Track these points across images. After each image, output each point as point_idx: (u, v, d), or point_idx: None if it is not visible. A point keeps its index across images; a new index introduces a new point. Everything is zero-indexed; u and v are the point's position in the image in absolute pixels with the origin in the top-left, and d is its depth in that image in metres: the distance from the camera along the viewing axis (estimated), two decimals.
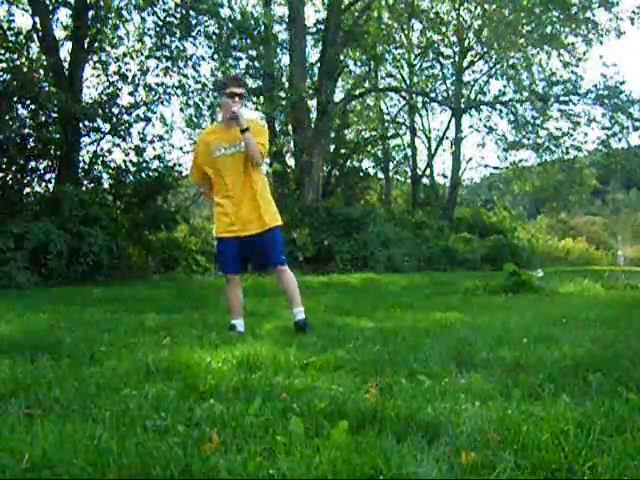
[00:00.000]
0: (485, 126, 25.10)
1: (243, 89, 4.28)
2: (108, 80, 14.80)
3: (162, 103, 15.62)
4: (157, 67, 15.80)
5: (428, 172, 27.02)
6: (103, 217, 12.50)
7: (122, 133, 14.56)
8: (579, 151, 24.16)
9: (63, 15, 14.73)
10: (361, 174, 24.25)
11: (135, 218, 14.17)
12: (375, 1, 20.69)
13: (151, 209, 14.38)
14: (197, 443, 1.70)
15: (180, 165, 15.64)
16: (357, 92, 22.34)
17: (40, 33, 13.35)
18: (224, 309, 5.10)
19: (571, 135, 23.49)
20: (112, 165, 14.58)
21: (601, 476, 1.50)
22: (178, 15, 15.17)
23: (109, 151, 14.61)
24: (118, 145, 14.70)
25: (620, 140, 22.70)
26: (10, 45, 12.58)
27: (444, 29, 23.68)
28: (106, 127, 14.44)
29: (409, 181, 27.13)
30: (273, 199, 4.48)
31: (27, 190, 13.02)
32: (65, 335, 3.86)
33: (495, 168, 28.84)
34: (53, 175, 13.58)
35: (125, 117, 14.73)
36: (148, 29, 15.69)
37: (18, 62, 12.59)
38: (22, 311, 5.87)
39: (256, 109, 20.69)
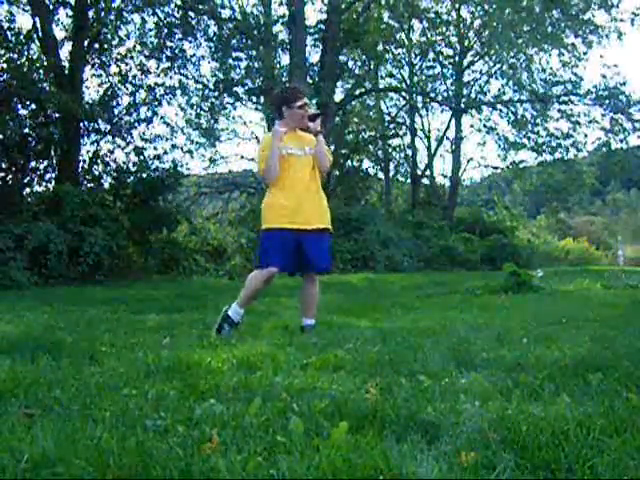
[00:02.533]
0: (485, 126, 25.10)
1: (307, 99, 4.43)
2: (108, 80, 14.80)
3: (160, 104, 15.62)
4: (158, 67, 15.82)
5: (428, 172, 27.02)
6: (103, 217, 12.51)
7: (122, 133, 14.57)
8: (579, 151, 24.17)
9: (63, 15, 14.71)
10: (361, 174, 24.25)
11: (135, 218, 14.17)
12: (375, 1, 20.69)
13: (152, 209, 14.39)
14: (197, 443, 1.70)
15: (182, 165, 15.67)
16: (357, 92, 22.34)
17: (40, 33, 13.35)
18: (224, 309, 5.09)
19: (571, 135, 23.49)
20: (112, 165, 14.59)
21: (601, 476, 1.50)
22: (178, 15, 15.18)
23: (109, 151, 14.63)
24: (118, 145, 14.72)
25: (621, 141, 22.71)
26: (10, 45, 12.59)
27: (444, 29, 23.68)
28: (106, 127, 14.44)
29: (409, 181, 27.13)
30: None
31: (27, 190, 13.03)
32: (65, 335, 3.86)
33: (495, 168, 28.84)
34: (53, 175, 13.59)
35: (125, 117, 14.74)
36: (149, 29, 15.70)
37: (18, 62, 12.59)
38: (22, 311, 5.87)
39: (256, 109, 20.73)
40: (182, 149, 16.94)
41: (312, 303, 4.34)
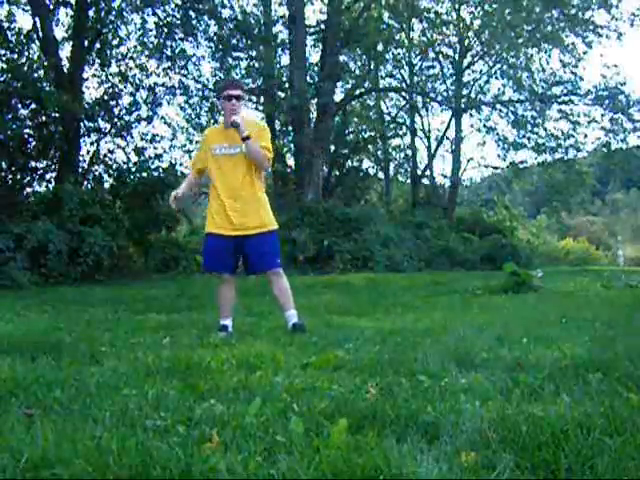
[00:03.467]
0: (485, 126, 25.11)
1: (240, 91, 4.29)
2: (108, 80, 14.80)
3: (160, 104, 15.62)
4: (158, 67, 15.82)
5: (428, 172, 27.02)
6: (103, 217, 12.50)
7: (123, 133, 14.58)
8: (579, 151, 24.17)
9: (63, 15, 14.71)
10: (361, 174, 24.24)
11: (136, 218, 14.17)
12: (375, 1, 20.69)
13: (152, 209, 14.39)
14: (197, 443, 1.70)
15: (181, 165, 15.66)
16: (357, 92, 22.33)
17: (40, 33, 13.35)
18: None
19: (571, 135, 23.49)
20: (112, 165, 14.59)
21: (601, 476, 1.50)
22: (179, 15, 15.18)
23: (110, 151, 14.63)
24: (119, 145, 14.73)
25: (621, 141, 22.71)
26: (10, 45, 12.59)
27: (444, 29, 23.67)
28: (106, 127, 14.45)
29: (409, 181, 27.13)
30: (272, 200, 4.50)
31: (27, 190, 13.03)
32: (65, 335, 3.86)
33: (495, 168, 28.84)
34: (53, 175, 13.59)
35: (126, 117, 14.74)
36: (150, 29, 15.69)
37: (18, 62, 12.59)
38: (22, 311, 5.87)
39: (256, 109, 20.74)
40: (182, 149, 16.96)
41: (283, 295, 4.36)
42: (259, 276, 4.61)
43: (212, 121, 18.46)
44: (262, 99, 19.12)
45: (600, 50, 51.75)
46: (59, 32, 14.29)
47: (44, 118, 12.85)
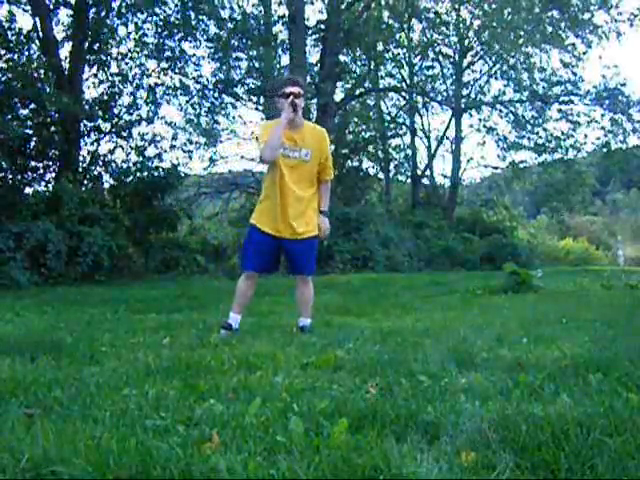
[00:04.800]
0: (485, 126, 25.11)
1: (299, 88, 4.22)
2: (108, 80, 14.80)
3: (160, 104, 15.62)
4: (158, 67, 15.81)
5: (428, 172, 27.02)
6: (103, 217, 12.50)
7: (123, 133, 14.57)
8: (579, 151, 24.18)
9: (63, 15, 14.70)
10: (361, 174, 24.22)
11: (135, 218, 14.16)
12: (375, 1, 20.69)
13: (152, 209, 14.39)
14: (197, 443, 1.70)
15: (179, 164, 15.66)
16: (357, 92, 22.32)
17: (40, 33, 13.34)
18: (224, 309, 5.10)
19: (571, 136, 23.50)
20: (112, 165, 14.59)
21: (601, 476, 1.50)
22: (178, 16, 15.17)
23: (110, 151, 14.63)
24: (119, 145, 14.72)
25: (621, 142, 22.72)
26: (10, 45, 12.59)
27: (444, 29, 23.68)
28: (106, 127, 14.44)
29: (409, 181, 27.12)
30: None
31: (27, 190, 13.02)
32: (65, 335, 3.86)
33: (495, 168, 28.85)
34: (53, 175, 13.59)
35: (126, 117, 14.74)
36: (148, 29, 15.68)
37: (18, 62, 12.59)
38: (22, 311, 5.88)
39: (256, 109, 20.74)
40: (182, 149, 16.95)
41: (304, 303, 4.37)
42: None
43: (212, 121, 18.47)
44: (262, 99, 19.10)
45: (600, 50, 51.82)
46: (59, 32, 14.29)
47: (44, 118, 12.85)
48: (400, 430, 1.83)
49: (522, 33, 19.77)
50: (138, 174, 14.41)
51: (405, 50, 24.54)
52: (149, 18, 15.37)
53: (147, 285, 11.27)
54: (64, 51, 14.28)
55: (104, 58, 14.65)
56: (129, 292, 9.25)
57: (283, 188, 4.16)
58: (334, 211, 17.20)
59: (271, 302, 7.03)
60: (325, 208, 4.34)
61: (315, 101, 18.69)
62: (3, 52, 12.41)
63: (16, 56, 12.70)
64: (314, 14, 33.82)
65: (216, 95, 18.22)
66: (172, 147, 15.90)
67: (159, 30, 15.35)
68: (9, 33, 12.67)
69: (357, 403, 2.07)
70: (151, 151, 15.07)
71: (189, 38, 15.64)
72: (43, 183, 13.51)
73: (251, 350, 3.20)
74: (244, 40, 16.82)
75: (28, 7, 13.76)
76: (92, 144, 14.53)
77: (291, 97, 4.11)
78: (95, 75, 14.75)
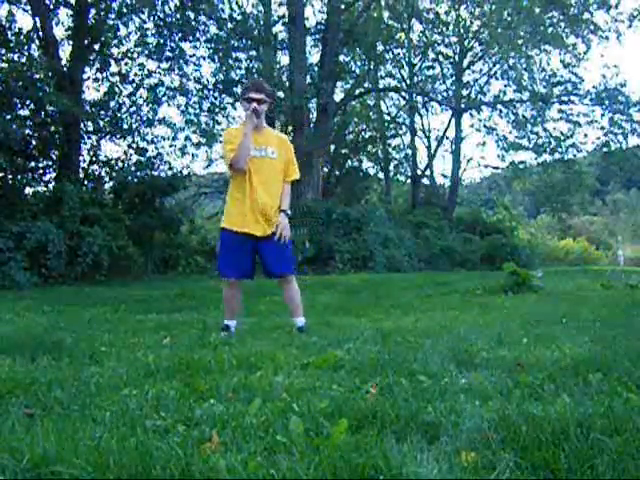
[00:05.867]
0: (485, 126, 25.12)
1: (263, 94, 4.25)
2: (108, 80, 14.80)
3: (160, 104, 15.62)
4: (158, 67, 15.83)
5: (428, 172, 27.03)
6: (103, 217, 12.51)
7: (123, 134, 14.58)
8: (579, 151, 24.19)
9: (63, 15, 14.71)
10: (361, 174, 24.25)
11: (136, 218, 14.17)
12: (375, 1, 20.69)
13: (153, 209, 14.40)
14: (197, 443, 1.70)
15: (183, 168, 15.71)
16: (357, 92, 22.34)
17: (40, 33, 13.35)
18: (224, 309, 5.10)
19: (571, 136, 23.51)
20: (112, 165, 14.59)
21: (601, 476, 1.50)
22: (178, 16, 15.18)
23: (110, 151, 14.66)
24: (119, 145, 14.74)
25: (620, 143, 22.73)
26: (10, 45, 12.59)
27: (444, 29, 23.69)
28: (107, 127, 14.45)
29: (409, 181, 27.14)
30: None
31: (27, 190, 13.03)
32: (65, 335, 3.86)
33: (495, 168, 28.87)
34: (53, 175, 13.60)
35: (125, 117, 14.74)
36: (147, 29, 15.69)
37: (18, 62, 12.59)
38: (22, 311, 5.88)
39: None
40: (182, 150, 16.96)
41: (294, 303, 4.37)
42: (259, 277, 4.60)
43: (211, 121, 18.47)
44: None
45: (600, 51, 51.88)
46: (59, 32, 14.31)
47: (44, 118, 12.85)
48: (400, 430, 1.83)
49: (522, 33, 19.76)
50: (138, 174, 14.41)
51: (405, 50, 24.55)
52: (149, 18, 15.38)
53: (147, 285, 11.27)
54: (64, 51, 14.32)
55: (104, 58, 14.66)
56: (129, 292, 9.25)
57: (252, 186, 4.19)
58: (334, 211, 17.27)
59: (271, 302, 7.03)
60: (284, 206, 4.30)
61: (315, 101, 18.69)
62: (3, 52, 12.41)
63: (16, 56, 12.71)
64: (314, 14, 33.79)
65: (216, 95, 18.23)
66: (172, 147, 15.92)
67: (159, 30, 15.36)
68: (9, 33, 12.67)
69: (357, 403, 2.07)
70: (151, 152, 15.08)
71: (189, 38, 15.65)
72: (43, 183, 13.53)
73: (251, 350, 3.19)
74: (244, 40, 16.83)
75: (28, 7, 13.76)
76: (92, 144, 14.54)
77: (253, 104, 4.17)
78: (95, 75, 14.76)
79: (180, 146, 17.21)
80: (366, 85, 22.85)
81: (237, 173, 4.21)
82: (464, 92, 25.16)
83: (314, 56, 20.23)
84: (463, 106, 24.84)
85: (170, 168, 15.17)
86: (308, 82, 18.29)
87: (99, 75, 14.80)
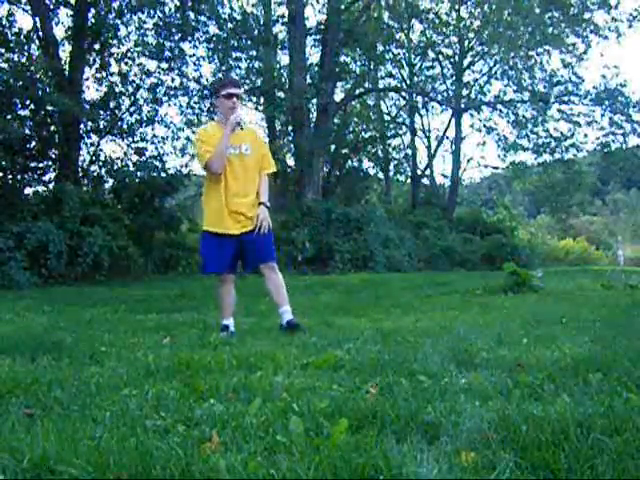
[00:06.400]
0: (485, 126, 25.12)
1: (240, 90, 4.32)
2: (108, 80, 14.80)
3: (160, 104, 15.62)
4: (158, 67, 15.82)
5: (428, 172, 27.03)
6: (103, 217, 12.51)
7: (123, 133, 14.58)
8: (579, 151, 24.20)
9: (63, 15, 14.71)
10: (361, 174, 24.23)
11: (136, 218, 14.17)
12: (375, 1, 20.68)
13: (153, 209, 14.40)
14: (197, 443, 1.70)
15: (182, 167, 15.70)
16: (357, 92, 22.34)
17: (40, 33, 13.35)
18: (220, 309, 5.09)
19: (571, 136, 23.51)
20: (112, 165, 14.59)
21: (601, 476, 1.50)
22: (178, 16, 15.18)
23: (110, 151, 14.68)
24: (119, 145, 14.74)
25: (621, 144, 22.74)
26: (10, 45, 12.59)
27: (444, 29, 23.69)
28: (106, 127, 14.45)
29: (409, 181, 27.13)
30: (272, 200, 4.51)
31: (27, 190, 13.04)
32: (65, 335, 3.86)
33: (495, 168, 28.87)
34: (53, 175, 13.60)
35: (125, 117, 14.74)
36: (148, 29, 15.68)
37: (18, 62, 12.59)
38: (22, 311, 5.88)
39: (256, 109, 20.73)
40: (183, 150, 16.97)
41: (278, 290, 4.37)
42: (259, 277, 4.60)
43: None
44: (262, 99, 19.11)
45: (601, 49, 51.87)
46: (59, 32, 14.30)
47: (44, 118, 12.85)
48: (400, 430, 1.83)
49: (520, 34, 19.76)
50: (139, 174, 14.41)
51: (405, 50, 24.54)
52: (149, 19, 15.38)
53: (147, 285, 11.27)
54: (64, 51, 14.31)
55: (104, 58, 14.66)
56: (129, 292, 9.25)
57: (227, 186, 4.21)
58: (334, 211, 17.27)
59: (271, 302, 7.02)
60: (263, 199, 4.32)
61: (315, 101, 18.69)
62: (3, 52, 12.41)
63: (16, 56, 12.71)
64: (314, 14, 33.78)
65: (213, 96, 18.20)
66: (173, 147, 15.93)
67: (159, 30, 15.36)
68: (9, 33, 12.68)
69: (357, 403, 2.07)
70: (151, 152, 15.09)
71: (189, 38, 15.65)
72: (43, 183, 13.53)
73: (251, 350, 3.20)
74: (244, 40, 16.82)
75: (28, 7, 13.76)
76: (92, 144, 14.55)
77: (234, 99, 4.20)
78: (95, 75, 14.76)
79: (180, 146, 17.22)
80: (366, 85, 22.84)
81: (213, 174, 4.23)
82: (464, 92, 25.15)
83: (314, 56, 20.24)
84: (463, 106, 24.83)
85: (169, 168, 15.18)
86: (308, 82, 18.29)
87: (99, 75, 14.80)
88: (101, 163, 14.61)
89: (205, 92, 17.74)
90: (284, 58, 19.47)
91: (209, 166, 4.17)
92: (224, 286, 4.35)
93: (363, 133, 25.00)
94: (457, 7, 22.98)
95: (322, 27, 19.18)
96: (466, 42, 24.57)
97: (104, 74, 14.80)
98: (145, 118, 15.15)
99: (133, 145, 14.85)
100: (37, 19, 13.36)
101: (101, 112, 14.19)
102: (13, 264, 10.12)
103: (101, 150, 14.67)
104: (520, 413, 1.89)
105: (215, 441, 1.71)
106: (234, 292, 4.43)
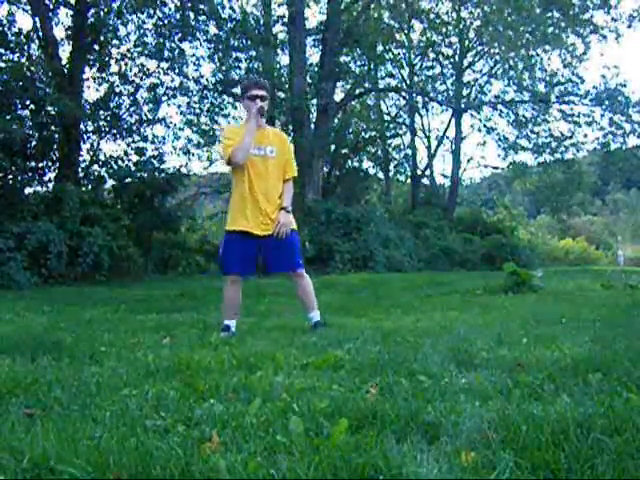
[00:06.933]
0: (485, 126, 25.13)
1: (263, 90, 4.30)
2: (108, 80, 14.80)
3: (160, 104, 15.63)
4: (158, 67, 15.82)
5: (428, 172, 27.04)
6: (103, 217, 12.51)
7: (123, 134, 14.58)
8: (579, 151, 24.22)
9: (63, 15, 14.71)
10: (361, 174, 24.24)
11: (136, 218, 14.17)
12: (375, 1, 20.68)
13: (153, 209, 14.40)
14: (197, 443, 1.70)
15: (182, 166, 15.69)
16: (357, 92, 22.34)
17: (40, 33, 13.34)
18: (224, 309, 5.09)
19: (571, 136, 23.52)
20: (112, 165, 14.59)
21: (601, 476, 1.50)
22: (178, 16, 15.18)
23: (110, 151, 14.67)
24: (119, 145, 14.74)
25: (620, 144, 22.74)
26: (10, 45, 12.59)
27: (444, 29, 23.69)
28: (106, 127, 14.45)
29: (409, 181, 27.14)
30: None
31: (27, 190, 13.04)
32: (65, 335, 3.86)
33: (495, 168, 28.89)
34: (53, 175, 13.60)
35: (125, 117, 14.74)
36: (148, 29, 15.68)
37: (18, 62, 12.59)
38: (22, 311, 5.88)
39: None
40: (182, 150, 16.97)
41: (305, 296, 4.41)
42: (258, 277, 4.60)
43: (210, 122, 18.45)
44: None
45: (600, 51, 51.89)
46: (59, 32, 14.32)
47: (44, 118, 12.85)
48: (400, 430, 1.83)
49: (523, 33, 19.77)
50: (139, 174, 14.42)
51: (405, 50, 24.55)
52: (149, 19, 15.38)
53: (147, 285, 11.27)
54: (64, 51, 14.31)
55: (104, 58, 14.65)
56: (129, 292, 9.25)
57: (252, 186, 4.22)
58: (334, 211, 17.27)
59: (271, 302, 7.03)
60: (285, 204, 4.32)
61: (315, 101, 18.69)
62: (3, 52, 12.41)
63: (16, 56, 12.71)
64: (314, 14, 33.80)
65: (216, 95, 18.21)
66: (173, 147, 15.93)
67: (159, 30, 15.36)
68: (9, 33, 12.67)
69: (357, 403, 2.07)
70: (151, 152, 15.08)
71: (189, 38, 15.65)
72: (43, 183, 13.53)
73: (251, 350, 3.19)
74: (244, 40, 16.81)
75: (28, 7, 13.76)
76: (92, 144, 14.54)
77: (258, 101, 4.23)
78: (95, 75, 14.76)
79: (181, 146, 17.22)
80: (366, 85, 22.84)
81: (236, 168, 4.24)
82: (464, 92, 25.16)
83: (314, 56, 20.24)
84: (463, 106, 24.85)
85: (169, 168, 15.17)
86: (308, 82, 18.29)
87: (99, 75, 14.80)
88: (101, 163, 14.61)
89: (205, 92, 17.76)
90: (284, 58, 19.49)
91: (233, 156, 4.17)
92: (233, 286, 4.34)
93: (363, 133, 25.01)
94: (457, 7, 22.99)
95: (322, 27, 19.18)
96: (466, 42, 24.58)
97: (104, 74, 14.80)
98: (145, 118, 15.15)
99: (133, 145, 14.84)
100: (37, 19, 13.36)
101: (101, 112, 14.19)
102: (13, 264, 10.12)
103: (101, 150, 14.69)
104: (520, 413, 1.89)
105: (215, 441, 1.71)
106: (241, 294, 4.43)
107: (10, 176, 12.47)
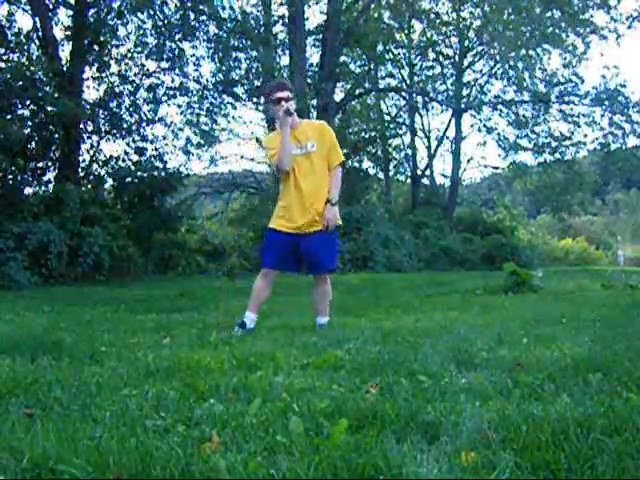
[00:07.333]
0: (485, 126, 25.13)
1: (285, 92, 4.27)
2: (108, 80, 14.79)
3: (160, 104, 15.63)
4: (158, 67, 15.82)
5: (428, 172, 27.03)
6: (103, 217, 12.51)
7: (123, 133, 14.58)
8: (579, 151, 24.23)
9: (63, 15, 14.74)
10: (361, 174, 24.24)
11: (136, 218, 14.17)
12: (375, 1, 20.69)
13: (153, 209, 14.40)
14: (197, 443, 1.70)
15: (180, 165, 15.68)
16: (357, 92, 22.34)
17: (40, 33, 13.34)
18: (223, 309, 5.10)
19: (571, 136, 23.52)
20: (113, 165, 14.60)
21: (601, 476, 1.50)
22: (178, 16, 15.18)
23: (110, 151, 14.67)
24: (119, 145, 14.74)
25: (620, 145, 22.76)
26: (10, 45, 12.59)
27: (444, 29, 23.71)
28: (106, 127, 14.44)
29: (409, 181, 27.13)
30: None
31: (27, 190, 13.04)
32: (65, 335, 3.86)
33: (495, 168, 28.88)
34: (53, 175, 13.60)
35: (126, 117, 14.74)
36: (147, 29, 15.68)
37: (18, 62, 12.58)
38: (22, 311, 5.87)
39: (256, 109, 20.73)
40: (182, 150, 16.95)
41: (321, 301, 4.42)
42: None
43: (210, 122, 18.44)
44: (262, 99, 19.09)
45: (600, 51, 51.87)
46: (59, 32, 14.30)
47: (44, 118, 12.85)
48: (400, 430, 1.83)
49: (523, 33, 19.77)
50: (139, 174, 14.41)
51: (405, 50, 24.56)
52: (149, 19, 15.38)
53: (147, 285, 11.27)
54: (64, 51, 14.31)
55: (104, 58, 14.65)
56: (129, 292, 9.25)
57: (298, 186, 4.23)
58: None
59: (271, 302, 7.01)
60: (331, 196, 4.27)
61: (315, 101, 18.69)
62: (3, 52, 12.41)
63: (16, 56, 12.70)
64: (314, 14, 33.79)
65: (216, 95, 18.22)
66: (173, 147, 15.92)
67: (159, 30, 15.36)
68: (9, 33, 12.67)
69: (357, 403, 2.07)
70: (151, 151, 15.08)
71: (189, 38, 15.65)
72: (43, 184, 13.52)
73: (251, 350, 3.19)
74: (244, 40, 16.82)
75: (28, 7, 13.76)
76: (92, 144, 14.54)
77: (283, 103, 4.20)
78: (95, 75, 14.75)
79: (181, 146, 17.20)
80: (366, 85, 22.85)
81: (284, 175, 4.27)
82: (464, 92, 25.16)
83: (314, 56, 20.24)
84: (463, 106, 24.85)
85: (169, 168, 15.16)
86: (308, 82, 18.28)
87: (99, 75, 14.79)
88: (101, 163, 14.61)
89: (205, 92, 17.76)
90: (284, 58, 19.49)
91: (279, 166, 4.21)
92: (263, 279, 4.35)
93: (363, 133, 25.01)
94: (457, 7, 22.99)
95: (322, 27, 19.19)
96: (466, 42, 24.58)
97: (104, 74, 14.80)
98: (145, 118, 15.15)
99: (133, 145, 14.84)
100: (37, 19, 13.36)
101: (101, 112, 14.19)
102: (13, 264, 10.12)
103: (101, 150, 14.69)
104: (520, 413, 1.89)
105: (215, 441, 1.71)
106: (270, 290, 4.43)
107: (10, 176, 12.47)
